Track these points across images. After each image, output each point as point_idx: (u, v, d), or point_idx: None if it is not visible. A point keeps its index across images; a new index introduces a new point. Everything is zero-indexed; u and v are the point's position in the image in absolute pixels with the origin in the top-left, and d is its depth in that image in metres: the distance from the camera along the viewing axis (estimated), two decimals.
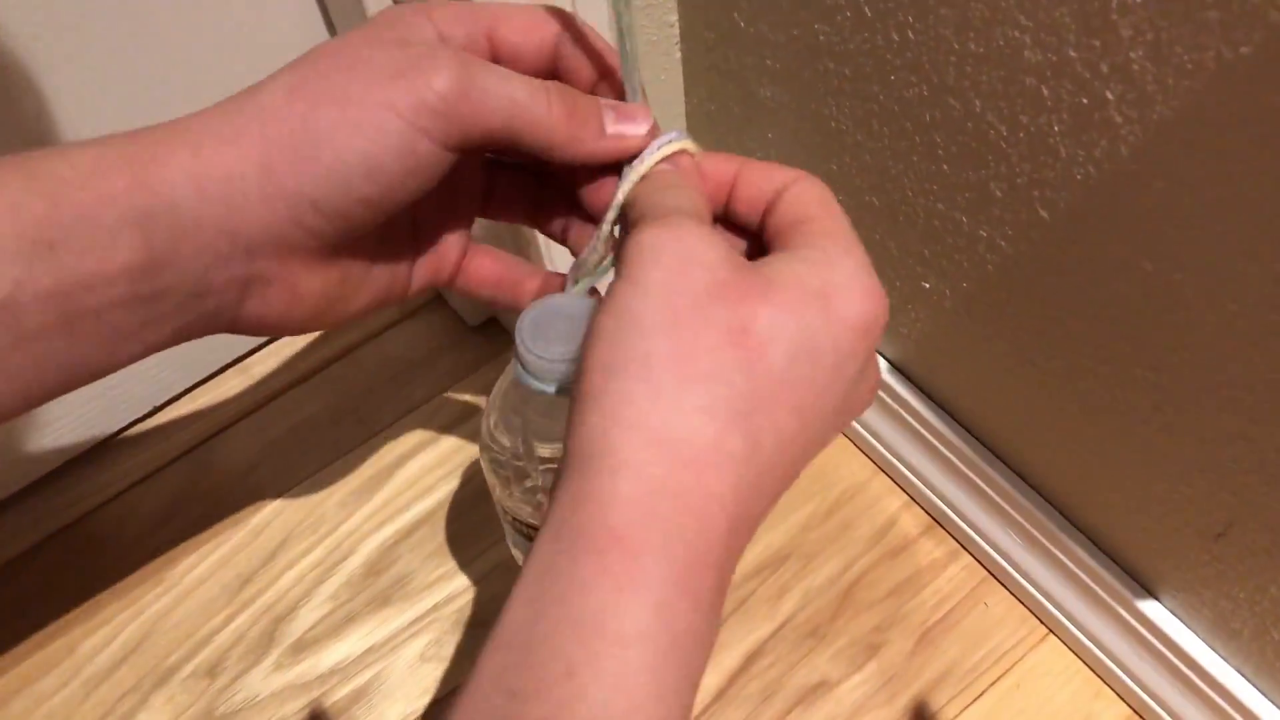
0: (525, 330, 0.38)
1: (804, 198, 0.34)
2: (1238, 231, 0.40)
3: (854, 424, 0.73)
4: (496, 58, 0.37)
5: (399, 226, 0.39)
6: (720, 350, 0.27)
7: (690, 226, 0.30)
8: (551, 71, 0.38)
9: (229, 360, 0.80)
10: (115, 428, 0.77)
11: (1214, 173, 0.40)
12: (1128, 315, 0.48)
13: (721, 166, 0.36)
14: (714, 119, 0.68)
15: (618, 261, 0.31)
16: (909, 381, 0.66)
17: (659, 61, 0.66)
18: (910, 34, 0.49)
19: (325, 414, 0.78)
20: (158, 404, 0.78)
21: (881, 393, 0.68)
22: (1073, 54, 0.42)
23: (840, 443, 0.75)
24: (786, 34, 0.57)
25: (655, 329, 0.28)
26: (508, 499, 0.46)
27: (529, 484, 0.45)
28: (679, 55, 0.67)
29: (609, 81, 0.38)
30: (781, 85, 0.60)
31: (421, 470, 0.75)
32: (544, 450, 0.44)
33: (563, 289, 0.40)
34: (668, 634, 0.26)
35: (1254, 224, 0.39)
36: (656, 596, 0.26)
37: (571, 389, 0.29)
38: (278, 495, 0.75)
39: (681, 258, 0.29)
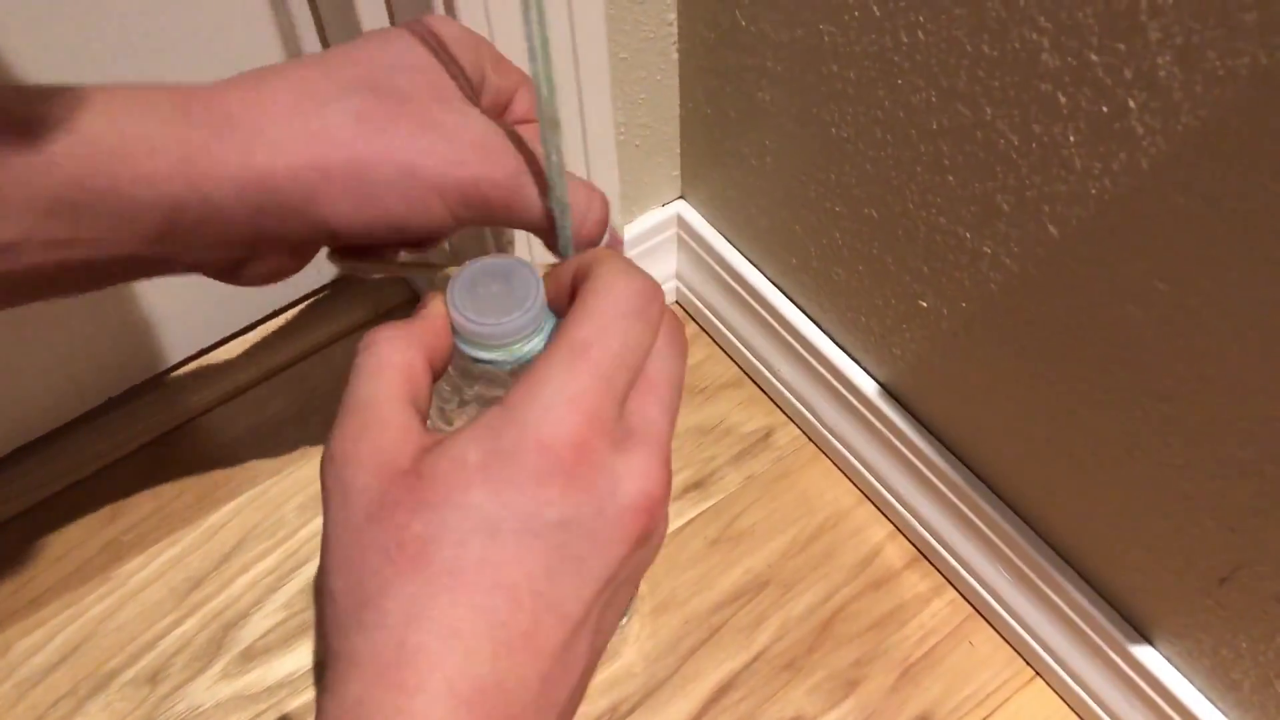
0: (458, 295, 0.36)
1: (583, 294, 0.31)
2: (1264, 253, 0.38)
3: (839, 448, 0.70)
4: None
5: None
6: (381, 572, 0.27)
7: (339, 447, 0.29)
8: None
9: (192, 352, 0.76)
10: (67, 418, 0.73)
11: (1241, 188, 0.37)
12: (1138, 341, 0.45)
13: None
14: (709, 124, 0.66)
15: None
16: (899, 405, 0.64)
17: (654, 62, 0.64)
18: (921, 35, 0.47)
19: (290, 413, 0.75)
20: (113, 394, 0.74)
21: (870, 416, 0.66)
22: (1094, 58, 0.40)
23: (824, 467, 0.72)
24: (790, 34, 0.54)
25: (333, 571, 0.28)
26: None
27: None
28: (675, 56, 0.64)
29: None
30: (782, 88, 0.57)
31: None
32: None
33: None
34: None
35: None
36: None
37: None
38: (235, 496, 0.71)
39: (341, 488, 0.28)
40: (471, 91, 0.37)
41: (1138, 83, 0.38)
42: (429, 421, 0.43)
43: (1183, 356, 0.43)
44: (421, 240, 0.37)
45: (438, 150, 0.34)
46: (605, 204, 0.39)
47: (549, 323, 0.37)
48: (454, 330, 0.37)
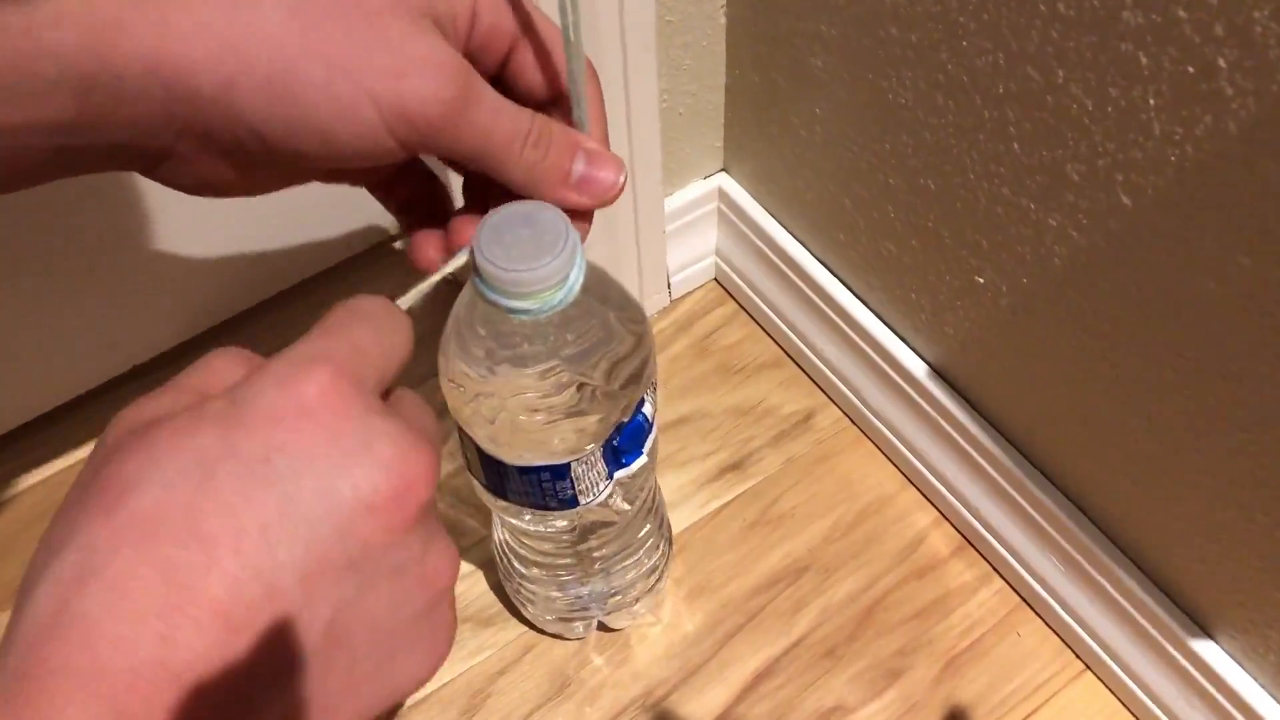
0: (485, 243, 0.35)
1: None
2: None
3: (884, 431, 0.68)
4: (470, 34, 0.35)
5: None
6: (73, 519, 0.24)
7: (135, 409, 0.27)
8: (504, 60, 0.37)
9: (217, 321, 0.75)
10: (87, 386, 0.72)
11: None
12: (1213, 318, 0.43)
13: None
14: (756, 92, 0.64)
15: None
16: (949, 387, 0.62)
17: (701, 26, 0.62)
18: None
19: None
20: (139, 361, 0.73)
21: (918, 398, 0.63)
22: (1182, 14, 0.37)
23: (867, 450, 0.70)
24: None
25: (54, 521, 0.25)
26: (471, 429, 0.43)
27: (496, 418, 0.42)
28: (723, 20, 0.62)
29: (553, 80, 0.37)
30: (836, 54, 0.55)
31: None
32: (523, 374, 0.41)
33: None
34: None
35: None
36: None
37: None
38: None
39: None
40: (449, 24, 0.34)
41: (1230, 40, 0.36)
42: (467, 399, 0.42)
43: (1262, 335, 0.41)
44: (355, 159, 0.33)
45: (376, 55, 0.31)
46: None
47: (579, 270, 0.36)
48: (483, 282, 0.36)
